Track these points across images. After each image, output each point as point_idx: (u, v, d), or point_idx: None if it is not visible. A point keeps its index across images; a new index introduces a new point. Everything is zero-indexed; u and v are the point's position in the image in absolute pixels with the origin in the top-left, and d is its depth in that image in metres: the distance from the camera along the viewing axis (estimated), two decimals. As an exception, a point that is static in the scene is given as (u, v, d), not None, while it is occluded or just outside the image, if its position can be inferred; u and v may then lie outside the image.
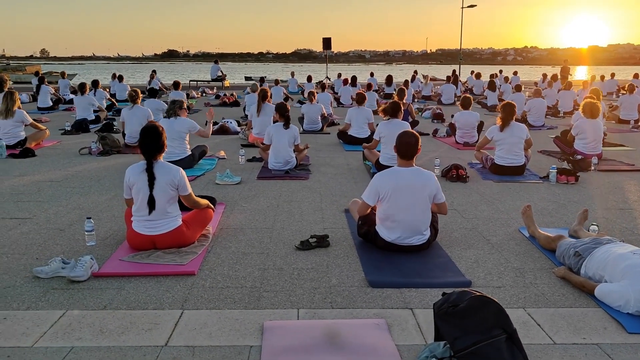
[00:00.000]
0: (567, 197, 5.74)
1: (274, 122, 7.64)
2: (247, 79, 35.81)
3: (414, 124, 11.40)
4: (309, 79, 20.35)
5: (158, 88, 19.12)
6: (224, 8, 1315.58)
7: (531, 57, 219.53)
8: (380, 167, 6.76)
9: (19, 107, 8.46)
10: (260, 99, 9.24)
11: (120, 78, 17.51)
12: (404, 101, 11.37)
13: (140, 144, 4.01)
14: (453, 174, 6.42)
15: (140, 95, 8.90)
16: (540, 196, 5.76)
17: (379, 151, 7.05)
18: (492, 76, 20.99)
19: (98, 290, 3.33)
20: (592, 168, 6.96)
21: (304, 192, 5.86)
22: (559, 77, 17.40)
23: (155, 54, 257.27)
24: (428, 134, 10.58)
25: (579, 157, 7.16)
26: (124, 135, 8.68)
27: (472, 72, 23.12)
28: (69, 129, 10.36)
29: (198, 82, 24.91)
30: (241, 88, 24.03)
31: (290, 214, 5.02)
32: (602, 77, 20.83)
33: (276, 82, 17.28)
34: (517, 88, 14.04)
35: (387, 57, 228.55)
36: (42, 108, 14.36)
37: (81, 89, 11.37)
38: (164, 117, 7.10)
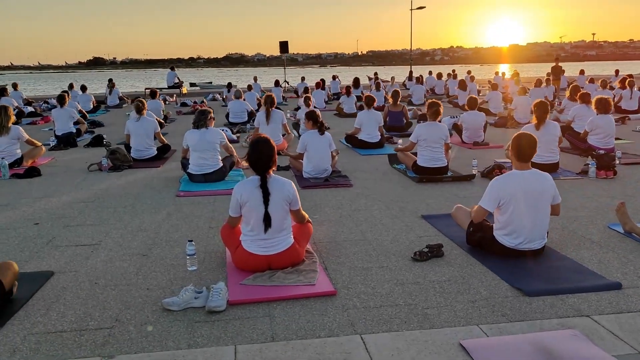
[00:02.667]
0: (620, 191, 5.90)
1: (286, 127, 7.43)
2: (192, 85, 34.95)
3: (407, 125, 11.52)
4: (303, 79, 20.21)
5: (119, 99, 18.42)
6: (149, 13, 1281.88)
7: (457, 57, 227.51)
8: (419, 170, 6.72)
9: (14, 123, 7.81)
10: (268, 106, 8.99)
11: (84, 88, 16.59)
12: (398, 103, 11.47)
13: (253, 158, 3.74)
14: (497, 174, 6.44)
15: (146, 107, 8.42)
16: (592, 192, 5.89)
17: (414, 153, 7.01)
18: (458, 74, 21.49)
19: (248, 319, 3.06)
20: (617, 162, 7.20)
21: (364, 200, 5.71)
22: (551, 78, 17.57)
23: (80, 62, 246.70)
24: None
25: (602, 152, 7.40)
26: (128, 148, 8.18)
27: (430, 72, 23.61)
28: (54, 144, 9.67)
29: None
30: (198, 95, 23.42)
31: (372, 223, 4.86)
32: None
33: (249, 87, 16.94)
34: (494, 87, 14.42)
35: (319, 60, 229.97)
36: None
37: (60, 100, 10.61)
38: (193, 128, 6.73)
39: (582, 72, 22.85)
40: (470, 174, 6.58)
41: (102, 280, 3.67)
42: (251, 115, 13.06)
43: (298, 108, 14.33)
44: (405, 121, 11.37)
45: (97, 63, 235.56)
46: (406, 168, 7.15)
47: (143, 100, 8.51)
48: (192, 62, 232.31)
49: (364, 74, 31.85)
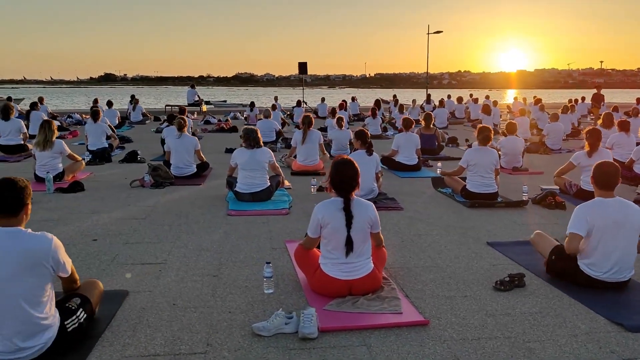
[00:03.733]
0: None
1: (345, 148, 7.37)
2: (206, 103, 35.06)
3: (440, 148, 11.46)
4: (323, 100, 20.05)
5: (142, 115, 18.49)
6: (160, 31, 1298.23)
7: (465, 81, 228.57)
8: (469, 195, 6.63)
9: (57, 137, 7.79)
10: (306, 126, 8.95)
11: (110, 104, 16.66)
12: (432, 126, 11.42)
13: (336, 180, 3.66)
14: (551, 202, 6.35)
15: (187, 124, 8.39)
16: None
17: (462, 178, 6.92)
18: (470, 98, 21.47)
19: (344, 348, 2.95)
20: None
21: (420, 224, 5.61)
22: (591, 105, 17.39)
23: (92, 78, 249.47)
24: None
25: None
26: (168, 165, 8.12)
27: (449, 96, 23.61)
28: (89, 158, 9.64)
29: (173, 108, 24.09)
30: (215, 113, 23.46)
31: (437, 250, 4.76)
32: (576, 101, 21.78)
33: (273, 107, 16.97)
34: (522, 112, 14.37)
35: (328, 81, 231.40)
36: (34, 136, 13.35)
37: (94, 116, 10.62)
38: (243, 147, 6.67)
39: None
40: (523, 200, 6.47)
41: (180, 302, 3.58)
42: (279, 134, 13.06)
43: (323, 129, 14.34)
44: (437, 144, 11.29)
45: (108, 79, 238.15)
46: (453, 192, 7.06)
47: (184, 117, 8.48)
48: (202, 80, 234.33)
49: (373, 96, 31.92)
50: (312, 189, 7.19)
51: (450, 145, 12.98)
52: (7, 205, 2.69)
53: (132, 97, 19.80)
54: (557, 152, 11.76)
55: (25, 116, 14.22)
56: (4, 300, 2.62)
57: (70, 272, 2.92)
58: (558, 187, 7.15)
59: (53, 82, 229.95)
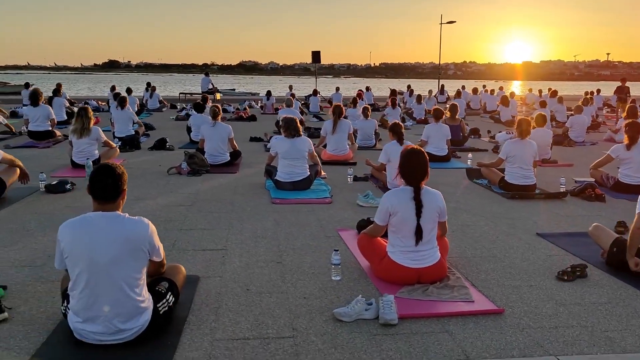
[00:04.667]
0: None
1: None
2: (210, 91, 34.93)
3: (464, 139, 11.47)
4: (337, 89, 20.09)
5: (159, 102, 18.52)
6: (164, 18, 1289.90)
7: (470, 72, 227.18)
8: (507, 186, 6.66)
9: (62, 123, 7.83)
10: (336, 116, 8.98)
11: (129, 91, 16.69)
12: (457, 117, 11.42)
13: (407, 169, 3.70)
14: (591, 194, 6.39)
15: (221, 112, 8.42)
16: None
17: (500, 170, 6.95)
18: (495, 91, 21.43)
19: (427, 334, 3.01)
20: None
21: (465, 215, 5.66)
22: (617, 98, 17.35)
23: (95, 64, 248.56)
24: (487, 150, 10.62)
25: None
26: (202, 152, 8.17)
27: (463, 87, 23.55)
28: (118, 145, 9.67)
29: (188, 95, 24.16)
30: (231, 102, 23.45)
31: (490, 240, 4.81)
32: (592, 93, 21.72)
33: (292, 96, 16.98)
34: (542, 104, 14.37)
35: (333, 70, 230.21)
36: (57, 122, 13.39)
37: (121, 103, 10.67)
38: (283, 136, 6.72)
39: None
40: (562, 192, 6.51)
41: (252, 287, 3.64)
42: (301, 123, 13.06)
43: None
44: (462, 135, 11.30)
45: (112, 66, 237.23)
46: (489, 183, 7.10)
47: (219, 105, 8.52)
48: (206, 68, 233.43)
49: (379, 85, 31.76)
50: (349, 179, 7.24)
51: (472, 136, 12.98)
52: (107, 192, 2.75)
53: (148, 84, 19.84)
54: (581, 144, 11.76)
55: (47, 103, 14.24)
56: (107, 283, 2.68)
57: (162, 257, 2.98)
58: (594, 179, 7.18)
59: (57, 68, 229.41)
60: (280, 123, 6.93)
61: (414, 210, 3.62)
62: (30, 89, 12.19)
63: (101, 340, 2.74)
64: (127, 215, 2.83)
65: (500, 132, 12.59)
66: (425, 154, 3.77)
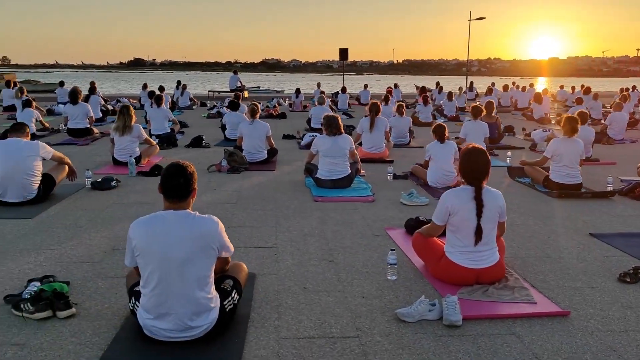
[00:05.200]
0: None
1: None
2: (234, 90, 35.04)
3: (500, 137, 11.31)
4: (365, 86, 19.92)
5: (189, 100, 18.68)
6: (189, 17, 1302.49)
7: (495, 69, 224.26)
8: (552, 185, 6.55)
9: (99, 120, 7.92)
10: (373, 113, 8.92)
11: (161, 89, 16.86)
12: (493, 114, 11.27)
13: (468, 168, 3.65)
14: (640, 193, 6.24)
15: (259, 110, 8.45)
16: None
17: (544, 168, 6.84)
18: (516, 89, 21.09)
19: (493, 336, 2.97)
20: None
21: (512, 214, 5.56)
22: None
23: (121, 63, 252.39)
24: (523, 148, 10.46)
25: None
26: (240, 150, 8.20)
27: (493, 84, 23.25)
28: (156, 143, 9.77)
29: (216, 93, 24.33)
30: (258, 99, 23.52)
31: (541, 240, 4.73)
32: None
33: (323, 93, 16.96)
34: (578, 102, 14.10)
35: (355, 67, 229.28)
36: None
37: (157, 101, 10.78)
38: (324, 134, 6.71)
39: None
40: (610, 191, 6.37)
41: (309, 285, 3.64)
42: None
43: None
44: (498, 133, 11.14)
45: (137, 64, 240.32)
46: (533, 182, 6.98)
47: (257, 103, 8.54)
48: (229, 66, 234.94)
49: (402, 82, 31.48)
50: (389, 177, 7.20)
51: (507, 134, 12.79)
52: (179, 191, 2.77)
53: (179, 82, 20.00)
54: (620, 142, 11.51)
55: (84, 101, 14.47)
56: (179, 281, 2.70)
57: (229, 255, 2.99)
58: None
59: (84, 67, 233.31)
60: (322, 121, 6.91)
61: (474, 210, 3.57)
62: (70, 87, 12.36)
63: (171, 337, 2.76)
64: (197, 213, 2.84)
65: (535, 129, 12.40)
66: (487, 153, 3.72)
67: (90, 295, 3.42)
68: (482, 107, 9.38)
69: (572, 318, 3.20)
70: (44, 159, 5.71)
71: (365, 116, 9.03)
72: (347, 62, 29.70)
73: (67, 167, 6.06)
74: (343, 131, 6.77)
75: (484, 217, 3.57)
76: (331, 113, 7.13)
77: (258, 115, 8.37)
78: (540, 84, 54.02)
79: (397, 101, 20.03)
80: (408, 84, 45.84)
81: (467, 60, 31.53)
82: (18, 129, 5.64)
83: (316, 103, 13.33)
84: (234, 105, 10.94)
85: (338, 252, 4.33)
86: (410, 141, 10.88)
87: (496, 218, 3.65)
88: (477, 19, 29.76)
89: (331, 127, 6.63)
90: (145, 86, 18.94)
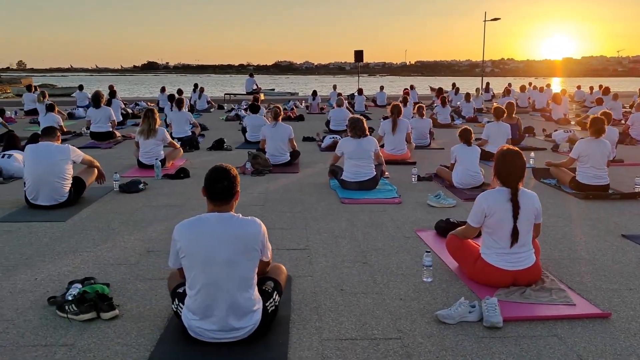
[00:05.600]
0: None
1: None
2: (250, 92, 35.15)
3: (521, 138, 11.24)
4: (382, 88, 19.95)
5: (207, 104, 18.79)
6: (202, 20, 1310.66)
7: (508, 69, 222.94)
8: (579, 187, 6.51)
9: (160, 126, 8.01)
10: (395, 115, 8.93)
11: (180, 92, 16.99)
12: (513, 116, 11.20)
13: (504, 170, 3.65)
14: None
15: (282, 113, 8.49)
16: None
17: (571, 170, 6.79)
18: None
19: (535, 338, 2.96)
20: None
21: (544, 216, 5.47)
22: None
23: (135, 66, 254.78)
24: (545, 149, 10.40)
25: None
26: (263, 152, 8.24)
27: (510, 84, 23.10)
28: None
29: (232, 96, 24.45)
30: (274, 102, 23.59)
31: (573, 241, 4.70)
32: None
33: (340, 95, 16.99)
34: (599, 102, 14.00)
35: (368, 69, 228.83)
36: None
37: (178, 104, 10.88)
38: (349, 137, 6.73)
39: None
40: (639, 192, 6.32)
41: (346, 287, 3.66)
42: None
43: (385, 117, 14.23)
44: (518, 134, 11.08)
45: (151, 67, 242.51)
46: (559, 183, 6.94)
47: (279, 106, 8.59)
48: (242, 69, 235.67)
49: (415, 83, 31.44)
50: (413, 178, 7.20)
51: (527, 135, 12.71)
52: (224, 193, 2.81)
53: (196, 85, 20.13)
54: (642, 142, 11.40)
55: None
56: (224, 282, 2.73)
57: (270, 257, 3.02)
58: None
59: (98, 70, 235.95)
60: (345, 123, 6.94)
61: (510, 212, 3.56)
62: (89, 91, 12.53)
63: (216, 338, 2.79)
64: (240, 215, 2.88)
65: (555, 130, 12.32)
66: (522, 154, 3.71)
67: (130, 297, 3.47)
68: (504, 109, 9.32)
69: (613, 320, 3.18)
70: (74, 162, 5.79)
71: (385, 118, 9.05)
72: (360, 64, 29.65)
73: (96, 170, 6.14)
74: (368, 133, 6.79)
75: (520, 218, 3.57)
76: (355, 115, 7.12)
77: (281, 118, 8.41)
78: (555, 85, 53.56)
79: (415, 103, 20.04)
80: (422, 86, 45.73)
81: (482, 61, 31.37)
82: (49, 133, 5.72)
83: (334, 105, 13.35)
84: (254, 108, 11.02)
85: (371, 254, 4.34)
86: (430, 142, 10.85)
87: (532, 220, 3.64)
88: (492, 20, 29.60)
89: (356, 129, 6.65)
90: (163, 89, 19.10)
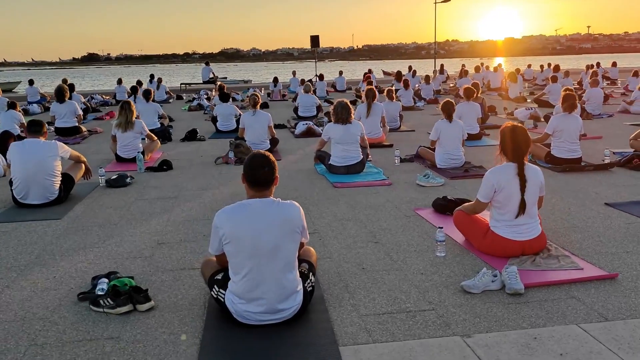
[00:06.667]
0: None
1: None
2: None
3: (486, 118, 11.63)
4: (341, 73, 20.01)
5: (166, 95, 18.44)
6: (142, 8, 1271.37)
7: (453, 50, 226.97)
8: (554, 160, 6.85)
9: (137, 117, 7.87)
10: (370, 99, 9.08)
11: (140, 83, 16.58)
12: (477, 95, 11.56)
13: (510, 146, 3.84)
14: (638, 164, 6.60)
15: (259, 101, 8.49)
16: None
17: (546, 145, 7.13)
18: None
19: (556, 301, 3.18)
20: None
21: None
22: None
23: (74, 58, 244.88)
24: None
25: None
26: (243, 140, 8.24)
27: (482, 64, 23.58)
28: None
29: (188, 86, 24.06)
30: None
31: (564, 212, 4.99)
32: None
33: (310, 81, 17.01)
34: (553, 79, 14.59)
35: (316, 54, 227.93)
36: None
37: (146, 96, 10.71)
38: (334, 122, 6.83)
39: (614, 64, 23.09)
40: (610, 163, 6.72)
41: (366, 265, 3.79)
42: (319, 109, 13.13)
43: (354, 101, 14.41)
44: (483, 113, 11.44)
45: (91, 59, 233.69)
46: (534, 158, 7.27)
47: (258, 93, 8.59)
48: (187, 58, 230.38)
49: (363, 68, 31.82)
50: (396, 160, 7.38)
51: (490, 114, 13.14)
52: (266, 179, 2.87)
53: (152, 76, 19.73)
54: (598, 117, 12.00)
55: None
56: (270, 266, 2.81)
57: (308, 238, 3.11)
58: (633, 150, 7.38)
59: (35, 64, 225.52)
60: (331, 108, 7.04)
61: (518, 185, 3.77)
62: (32, 85, 12.03)
63: (262, 320, 2.87)
64: (280, 199, 2.95)
65: (516, 108, 12.81)
66: (527, 130, 3.91)
67: (158, 288, 3.48)
68: (474, 89, 9.63)
69: (620, 280, 3.44)
70: (62, 158, 5.66)
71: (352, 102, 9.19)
72: (306, 49, 29.60)
73: (83, 165, 6.02)
74: (353, 117, 6.91)
75: (527, 191, 3.78)
76: (342, 100, 7.18)
77: (259, 106, 8.41)
78: (498, 63, 55.08)
79: (375, 86, 20.20)
80: (375, 70, 46.12)
81: (435, 42, 31.97)
82: (37, 130, 5.56)
83: (302, 91, 13.39)
84: (224, 97, 10.94)
85: (379, 233, 4.48)
86: (400, 125, 11.08)
87: (537, 192, 3.87)
88: (442, 2, 30.15)
89: (343, 114, 6.76)
90: (120, 81, 18.60)
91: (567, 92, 7.16)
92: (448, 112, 7.01)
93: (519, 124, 3.97)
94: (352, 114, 6.83)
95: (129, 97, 16.08)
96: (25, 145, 5.46)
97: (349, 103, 6.94)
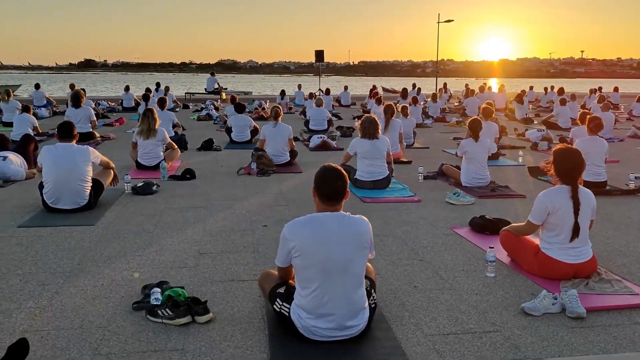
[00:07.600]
0: None
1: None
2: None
3: (500, 138, 11.65)
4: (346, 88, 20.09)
5: (173, 103, 18.41)
6: (140, 15, 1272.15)
7: (448, 70, 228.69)
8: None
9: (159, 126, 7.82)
10: (389, 115, 9.08)
11: (149, 90, 16.54)
12: (493, 115, 11.62)
13: (564, 167, 3.84)
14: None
15: (281, 113, 8.47)
16: None
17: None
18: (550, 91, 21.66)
19: (618, 326, 3.15)
20: None
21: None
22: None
23: (71, 64, 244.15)
24: (524, 147, 10.85)
25: None
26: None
27: (485, 84, 23.73)
28: (166, 146, 9.65)
29: (193, 95, 24.04)
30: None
31: (608, 236, 4.97)
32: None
33: (310, 95, 17.02)
34: (562, 102, 14.69)
35: (312, 69, 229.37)
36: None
37: (161, 104, 10.64)
38: (362, 137, 6.80)
39: (616, 89, 23.35)
40: (638, 189, 6.74)
41: (416, 284, 3.75)
42: (329, 123, 13.13)
43: (356, 117, 14.43)
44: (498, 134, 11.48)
45: (88, 65, 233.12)
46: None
47: (279, 105, 8.57)
48: (184, 67, 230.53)
49: (361, 84, 31.86)
50: (420, 177, 7.36)
51: (502, 134, 13.20)
52: (338, 193, 2.83)
53: (158, 84, 19.71)
54: (610, 141, 11.92)
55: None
56: (340, 281, 2.76)
57: (374, 254, 3.06)
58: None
59: (31, 68, 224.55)
60: (357, 124, 7.03)
61: (572, 208, 3.75)
62: (72, 91, 12.04)
63: (330, 337, 2.81)
64: (349, 213, 2.91)
65: (526, 129, 12.90)
66: (581, 153, 3.91)
67: (211, 299, 3.40)
68: (491, 108, 9.67)
69: (680, 307, 3.42)
70: (92, 164, 5.60)
71: (355, 117, 9.19)
72: (303, 64, 29.74)
73: (112, 171, 5.95)
74: (380, 133, 6.90)
75: (581, 214, 3.77)
76: (370, 115, 7.17)
77: (280, 118, 8.39)
78: (494, 84, 55.47)
79: (387, 103, 20.25)
80: (368, 86, 46.28)
81: (437, 61, 32.21)
82: (69, 134, 5.48)
83: (314, 105, 13.39)
84: (239, 108, 10.93)
85: (422, 251, 4.44)
86: (414, 142, 11.10)
87: (589, 215, 3.85)
88: (445, 22, 30.43)
89: (371, 129, 6.74)
90: (127, 88, 18.54)
91: (588, 114, 7.18)
92: (475, 130, 7.01)
93: (574, 147, 3.96)
94: (379, 130, 6.81)
95: (137, 104, 16.09)
96: (59, 150, 5.39)
97: (376, 118, 6.93)
